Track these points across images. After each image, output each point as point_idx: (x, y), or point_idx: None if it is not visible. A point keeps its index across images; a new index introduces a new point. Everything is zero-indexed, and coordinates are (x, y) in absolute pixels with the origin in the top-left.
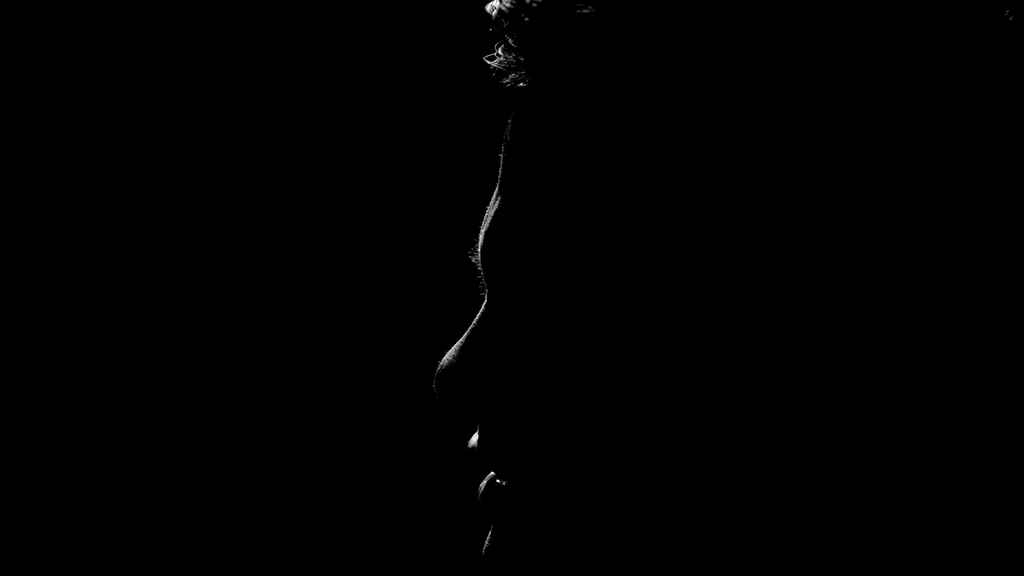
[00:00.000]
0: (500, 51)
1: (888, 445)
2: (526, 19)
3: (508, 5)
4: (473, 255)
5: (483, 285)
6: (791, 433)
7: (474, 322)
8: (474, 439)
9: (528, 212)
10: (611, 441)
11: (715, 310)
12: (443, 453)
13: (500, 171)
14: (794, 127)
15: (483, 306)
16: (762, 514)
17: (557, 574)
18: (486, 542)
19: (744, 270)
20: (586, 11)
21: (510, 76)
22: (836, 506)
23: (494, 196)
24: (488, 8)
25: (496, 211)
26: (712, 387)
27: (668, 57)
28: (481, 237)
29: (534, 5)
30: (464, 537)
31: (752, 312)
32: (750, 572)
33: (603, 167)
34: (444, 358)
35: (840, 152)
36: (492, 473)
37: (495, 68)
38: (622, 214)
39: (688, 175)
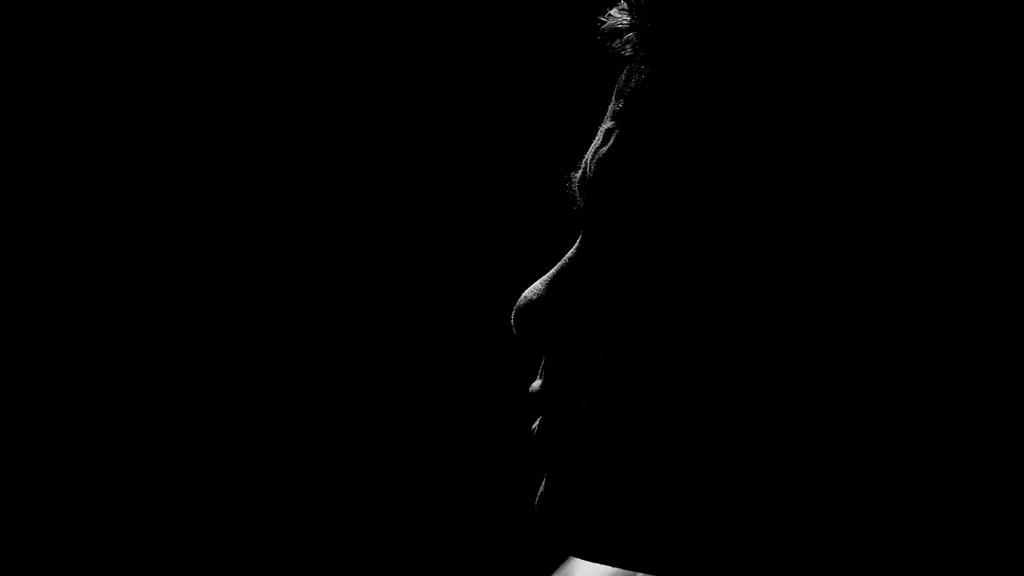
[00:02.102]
0: (615, 11)
1: (891, 445)
2: None
3: None
4: (572, 185)
5: (579, 219)
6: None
7: (565, 258)
8: (536, 384)
9: (647, 151)
10: (682, 409)
11: (810, 291)
12: (443, 453)
13: (614, 107)
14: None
15: (577, 242)
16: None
17: (609, 528)
18: (539, 492)
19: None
20: None
21: (623, 38)
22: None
23: (603, 131)
24: None
25: (614, 142)
26: (799, 369)
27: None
28: (591, 165)
29: None
30: (482, 522)
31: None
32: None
33: (716, 130)
34: (528, 290)
35: (835, 153)
36: (544, 417)
37: (606, 29)
38: (729, 179)
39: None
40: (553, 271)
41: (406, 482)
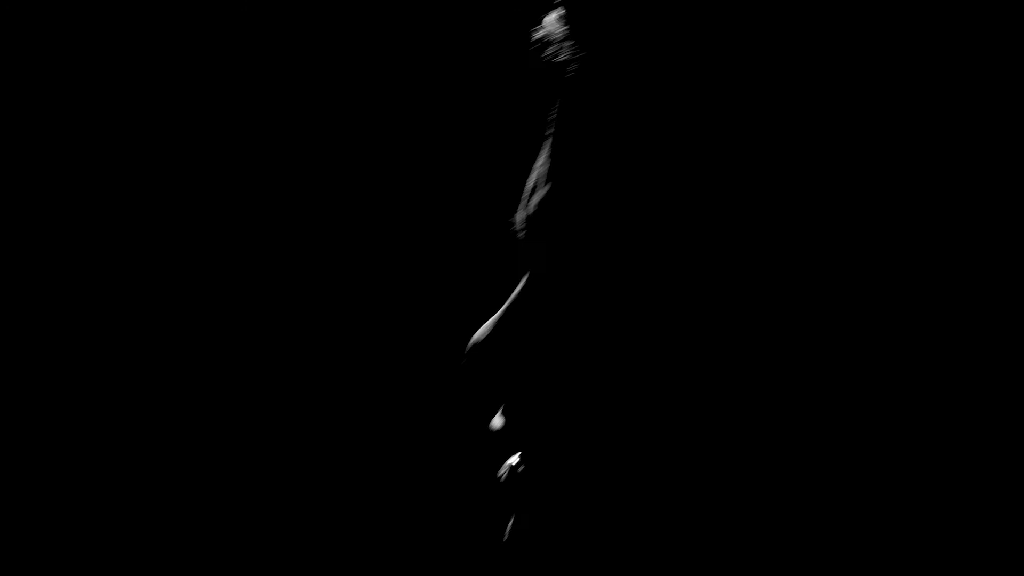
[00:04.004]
0: (551, 20)
1: (888, 444)
2: None
3: None
4: (515, 225)
5: (523, 259)
6: (792, 430)
7: (511, 297)
8: (497, 420)
9: (588, 193)
10: (629, 436)
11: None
12: (440, 453)
13: (552, 146)
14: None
15: (522, 281)
16: (767, 509)
17: (576, 564)
18: (508, 528)
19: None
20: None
21: (556, 49)
22: (835, 501)
23: (541, 168)
24: None
25: (553, 187)
26: (738, 390)
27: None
28: (532, 206)
29: None
30: (481, 522)
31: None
32: (755, 563)
33: (651, 154)
34: (478, 332)
35: (842, 151)
36: (513, 459)
37: (538, 41)
38: (665, 209)
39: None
40: (500, 311)
41: (407, 482)
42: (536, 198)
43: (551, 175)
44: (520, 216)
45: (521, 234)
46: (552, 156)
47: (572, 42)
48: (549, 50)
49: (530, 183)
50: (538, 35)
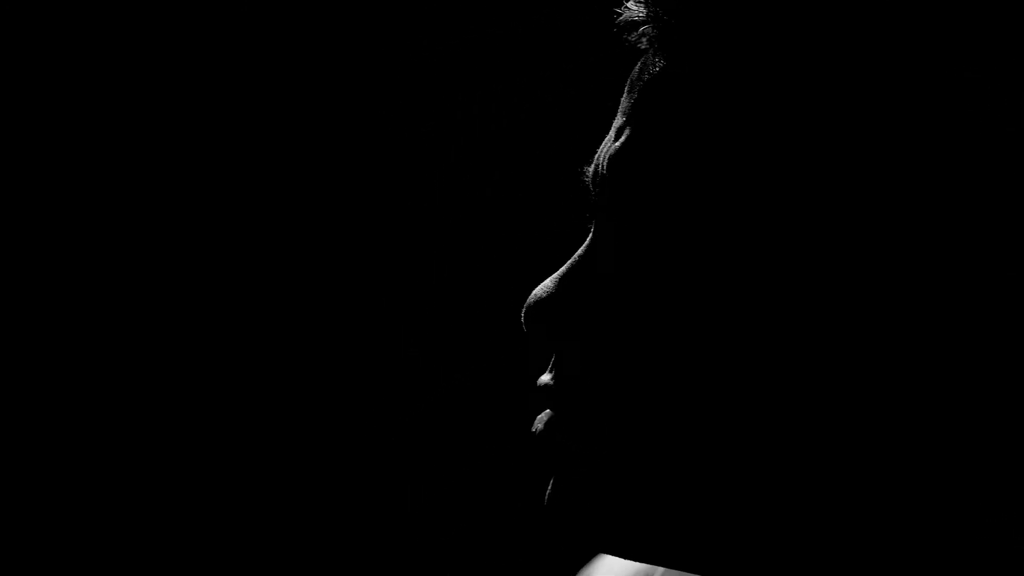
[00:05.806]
0: (631, 3)
1: (892, 442)
2: None
3: None
4: (585, 179)
5: (590, 215)
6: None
7: (576, 255)
8: (546, 377)
9: (658, 149)
10: (689, 405)
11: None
12: (440, 454)
13: (628, 104)
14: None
15: (589, 237)
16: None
17: (621, 522)
18: (548, 492)
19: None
20: None
21: (638, 30)
22: (844, 502)
23: (616, 127)
24: None
25: (627, 139)
26: (803, 366)
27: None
28: (604, 162)
29: None
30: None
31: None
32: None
33: (728, 125)
34: (538, 287)
35: (843, 151)
36: (549, 412)
37: (622, 21)
38: (740, 177)
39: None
40: (564, 268)
41: (419, 481)
42: (608, 150)
43: (626, 130)
44: (591, 168)
45: (591, 186)
46: (629, 116)
47: (654, 26)
48: (631, 35)
49: (601, 151)
50: (620, 19)
